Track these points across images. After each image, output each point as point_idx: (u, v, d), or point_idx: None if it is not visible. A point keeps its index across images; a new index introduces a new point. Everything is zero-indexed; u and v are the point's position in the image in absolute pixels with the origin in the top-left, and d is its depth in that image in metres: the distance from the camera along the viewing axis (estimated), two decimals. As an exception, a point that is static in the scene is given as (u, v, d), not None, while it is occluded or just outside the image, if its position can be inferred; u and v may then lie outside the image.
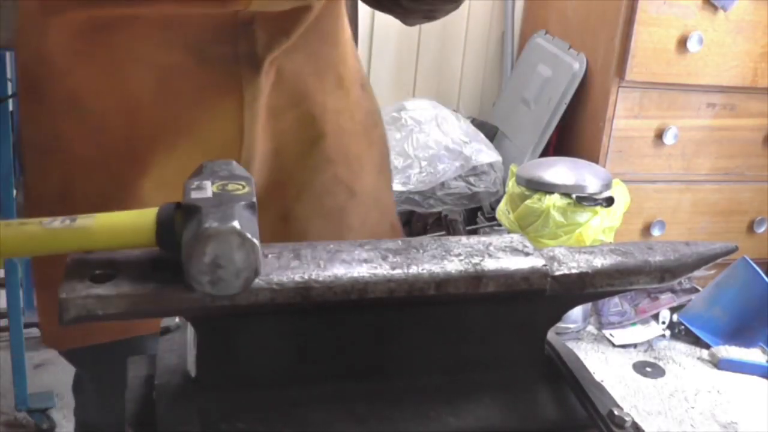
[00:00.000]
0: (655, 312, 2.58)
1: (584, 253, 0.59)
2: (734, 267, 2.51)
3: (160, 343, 0.61)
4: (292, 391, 0.56)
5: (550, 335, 0.62)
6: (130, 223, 0.52)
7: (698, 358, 2.45)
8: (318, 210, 0.97)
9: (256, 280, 0.49)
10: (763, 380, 2.26)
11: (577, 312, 2.47)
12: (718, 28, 2.44)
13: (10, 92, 1.57)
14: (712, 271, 2.54)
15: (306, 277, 0.52)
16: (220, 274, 0.48)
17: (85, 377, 1.07)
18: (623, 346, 2.49)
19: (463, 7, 1.05)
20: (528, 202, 2.30)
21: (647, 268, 0.58)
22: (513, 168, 2.45)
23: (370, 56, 2.91)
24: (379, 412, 0.56)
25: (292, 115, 0.94)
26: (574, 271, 0.56)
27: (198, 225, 0.48)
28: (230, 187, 0.53)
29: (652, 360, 2.45)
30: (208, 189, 0.52)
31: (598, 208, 2.27)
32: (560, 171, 2.35)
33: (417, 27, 2.81)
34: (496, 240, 0.59)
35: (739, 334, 2.46)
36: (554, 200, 2.26)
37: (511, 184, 2.40)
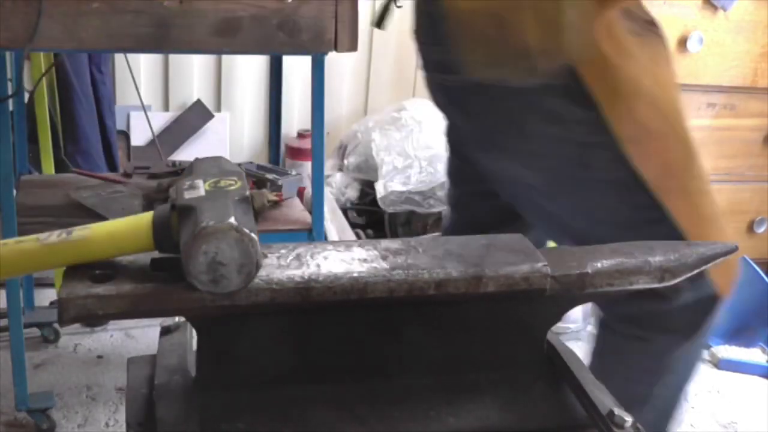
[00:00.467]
0: (655, 312, 2.56)
1: (584, 253, 0.59)
2: (734, 267, 2.50)
3: (160, 343, 0.61)
4: (292, 391, 0.56)
5: (550, 335, 0.62)
6: (126, 230, 0.52)
7: (698, 358, 2.44)
8: None
9: (256, 280, 0.49)
10: (763, 380, 2.25)
11: (577, 312, 2.46)
12: (718, 28, 2.44)
13: (10, 92, 1.56)
14: (712, 272, 2.53)
15: (306, 276, 0.51)
16: (221, 271, 0.48)
17: None
18: (623, 346, 2.48)
19: (463, 7, 1.04)
20: (528, 202, 2.29)
21: (647, 268, 0.58)
22: (513, 168, 2.44)
23: (370, 56, 2.91)
24: (379, 412, 0.56)
25: None
26: (574, 271, 0.56)
27: (194, 225, 0.48)
28: (222, 183, 0.53)
29: (652, 360, 2.44)
30: (201, 187, 0.52)
31: (598, 208, 2.26)
32: (560, 171, 2.33)
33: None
34: (496, 240, 0.59)
35: (739, 334, 2.45)
36: (554, 200, 2.25)
37: (511, 184, 2.39)
